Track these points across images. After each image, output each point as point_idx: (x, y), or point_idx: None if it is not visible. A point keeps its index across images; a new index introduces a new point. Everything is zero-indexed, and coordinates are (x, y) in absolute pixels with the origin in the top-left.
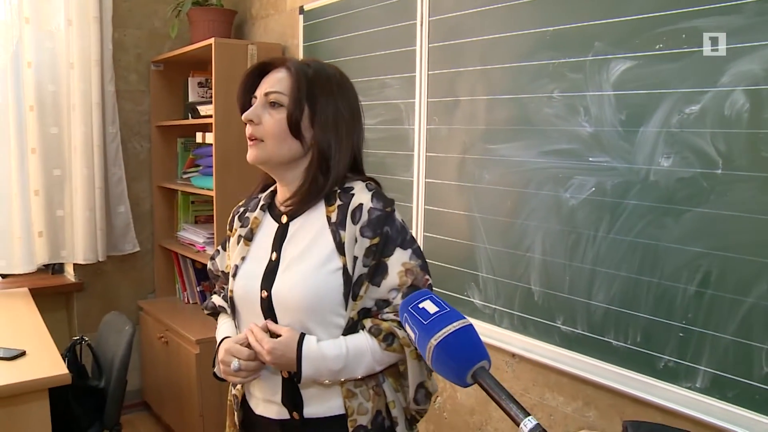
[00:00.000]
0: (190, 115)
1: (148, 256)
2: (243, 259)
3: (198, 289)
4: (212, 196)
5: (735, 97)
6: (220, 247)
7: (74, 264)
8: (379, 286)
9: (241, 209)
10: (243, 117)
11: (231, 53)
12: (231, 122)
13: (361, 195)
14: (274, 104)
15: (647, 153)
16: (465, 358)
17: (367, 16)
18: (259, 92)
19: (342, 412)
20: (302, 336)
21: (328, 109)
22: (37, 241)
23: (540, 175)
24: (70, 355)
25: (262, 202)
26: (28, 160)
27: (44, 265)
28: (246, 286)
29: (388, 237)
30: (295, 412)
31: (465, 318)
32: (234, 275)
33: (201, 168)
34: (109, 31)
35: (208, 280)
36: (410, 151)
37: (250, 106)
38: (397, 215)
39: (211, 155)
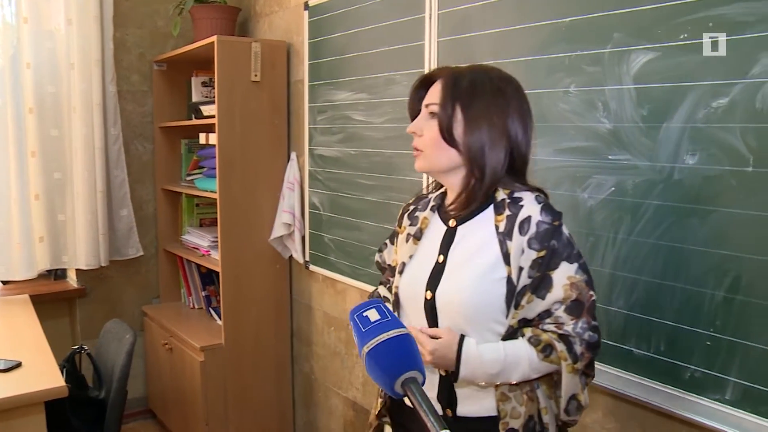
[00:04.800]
0: (193, 115)
1: (152, 260)
2: (411, 257)
3: (203, 293)
4: (216, 199)
5: None
6: (387, 241)
7: (76, 269)
8: (543, 299)
9: (411, 207)
10: (407, 130)
11: (234, 51)
12: (234, 123)
13: (530, 207)
14: (433, 114)
15: (671, 150)
16: (393, 366)
17: (374, 10)
18: (423, 104)
19: (494, 413)
20: (462, 338)
21: (479, 113)
22: (38, 247)
23: (556, 174)
24: (69, 365)
25: (432, 203)
26: (28, 163)
27: (46, 271)
28: (411, 285)
29: (555, 250)
30: (448, 409)
31: (404, 327)
32: (401, 272)
33: (205, 170)
34: (110, 31)
35: (213, 284)
36: None
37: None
38: (564, 229)
39: (215, 156)
